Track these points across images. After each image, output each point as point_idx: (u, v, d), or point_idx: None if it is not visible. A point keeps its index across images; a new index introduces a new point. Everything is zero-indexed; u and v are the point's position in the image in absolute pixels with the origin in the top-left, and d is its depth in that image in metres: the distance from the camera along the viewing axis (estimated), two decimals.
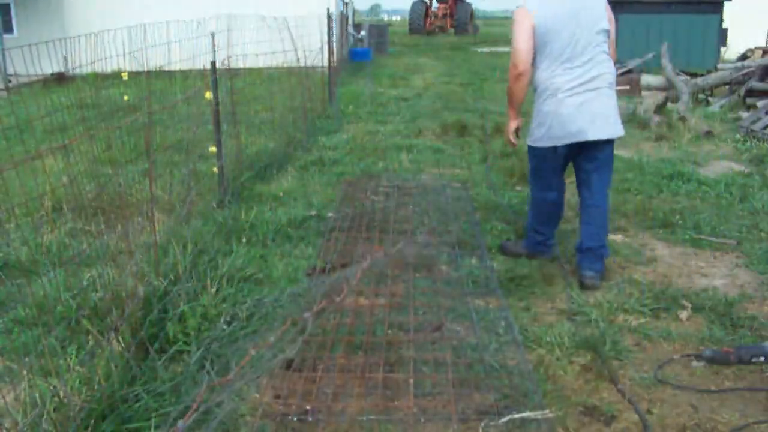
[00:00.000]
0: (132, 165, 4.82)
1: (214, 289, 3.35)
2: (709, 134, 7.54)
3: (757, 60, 10.56)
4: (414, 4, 34.78)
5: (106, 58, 4.55)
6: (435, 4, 35.62)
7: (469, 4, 36.16)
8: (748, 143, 7.11)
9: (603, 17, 3.60)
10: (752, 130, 7.48)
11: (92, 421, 2.33)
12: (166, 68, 5.23)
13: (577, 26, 3.53)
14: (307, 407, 2.56)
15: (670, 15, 14.96)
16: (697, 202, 5.13)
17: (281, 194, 5.36)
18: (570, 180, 5.80)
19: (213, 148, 4.97)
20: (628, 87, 11.41)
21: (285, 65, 8.10)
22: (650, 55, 12.73)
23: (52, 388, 2.41)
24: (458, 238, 4.39)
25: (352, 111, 9.71)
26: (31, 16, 16.54)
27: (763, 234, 4.42)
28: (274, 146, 6.71)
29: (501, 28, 44.75)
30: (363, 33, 22.02)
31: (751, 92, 9.57)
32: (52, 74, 5.97)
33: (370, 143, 7.47)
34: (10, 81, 11.62)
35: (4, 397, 2.33)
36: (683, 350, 3.02)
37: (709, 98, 10.67)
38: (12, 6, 16.64)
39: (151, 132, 3.67)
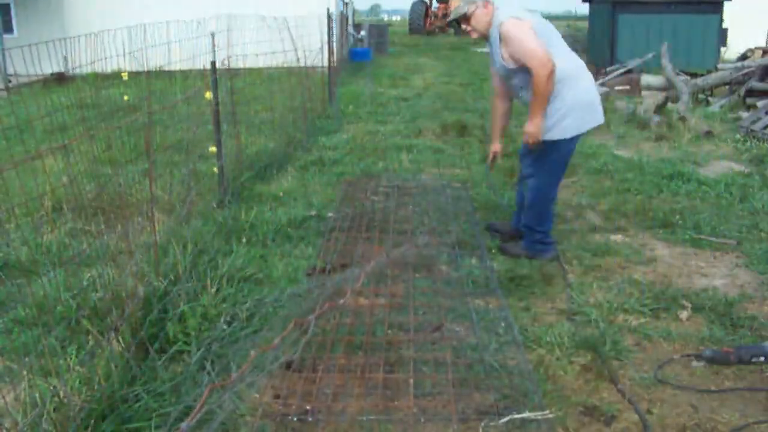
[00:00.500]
0: (132, 165, 4.82)
1: (214, 289, 3.35)
2: (709, 134, 7.54)
3: (757, 60, 10.56)
4: (414, 4, 34.78)
5: (106, 58, 4.54)
6: (435, 4, 35.60)
7: None
8: (748, 143, 7.11)
9: None
10: (752, 130, 7.48)
11: (92, 421, 2.33)
12: (166, 68, 5.22)
13: (549, 25, 3.81)
14: (307, 407, 2.56)
15: (670, 15, 14.95)
16: (697, 202, 5.13)
17: (281, 194, 5.36)
18: (571, 180, 5.79)
19: (213, 148, 4.97)
20: (628, 87, 11.41)
21: (285, 65, 8.10)
22: (650, 55, 12.72)
23: (52, 388, 2.41)
24: (458, 238, 4.39)
25: (352, 111, 9.71)
26: (31, 16, 16.54)
27: (763, 234, 4.42)
28: (274, 146, 6.71)
29: None
30: (363, 33, 22.02)
31: (751, 92, 9.57)
32: (52, 74, 5.97)
33: (370, 143, 7.47)
34: (10, 81, 11.62)
35: (4, 397, 2.34)
36: (683, 350, 3.02)
37: (709, 98, 10.67)
38: (12, 6, 16.64)
39: (151, 132, 3.67)
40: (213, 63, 4.85)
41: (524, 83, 3.74)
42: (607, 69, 13.26)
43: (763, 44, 13.75)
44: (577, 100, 3.72)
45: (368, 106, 10.21)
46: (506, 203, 5.11)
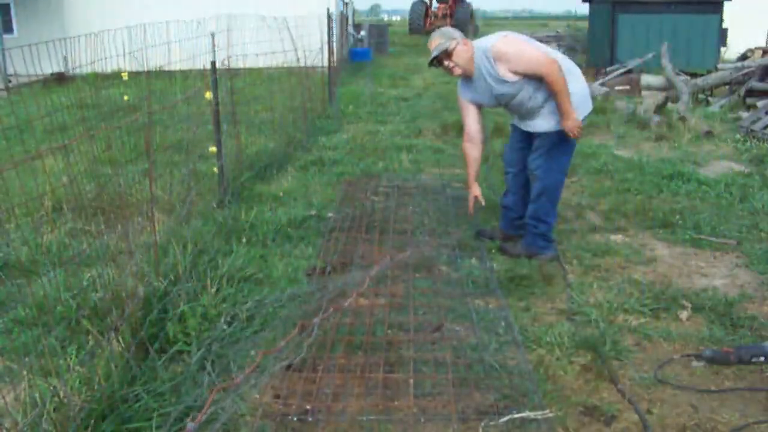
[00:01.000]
0: (132, 165, 4.82)
1: (214, 289, 3.35)
2: (709, 134, 7.54)
3: (757, 60, 10.56)
4: (414, 4, 34.76)
5: (106, 58, 4.54)
6: (435, 4, 35.58)
7: (469, 5, 36.15)
8: (748, 143, 7.11)
9: None
10: (752, 130, 7.48)
11: (92, 421, 2.33)
12: (166, 68, 5.22)
13: None
14: (307, 407, 2.56)
15: (670, 15, 14.94)
16: (697, 202, 5.13)
17: (281, 194, 5.36)
18: (571, 180, 5.80)
19: (213, 148, 4.97)
20: (628, 87, 11.41)
21: (285, 65, 8.10)
22: (650, 55, 12.71)
23: (52, 388, 2.41)
24: (458, 239, 4.39)
25: (352, 111, 9.71)
26: (31, 16, 16.54)
27: (763, 234, 4.42)
28: (274, 146, 6.71)
29: (501, 29, 44.75)
30: (363, 33, 22.02)
31: (751, 92, 9.57)
32: (52, 74, 5.97)
33: (370, 143, 7.47)
34: (10, 81, 11.62)
35: (4, 397, 2.33)
36: (683, 350, 3.02)
37: (709, 98, 10.67)
38: (12, 6, 16.64)
39: (151, 132, 3.67)
40: (213, 63, 4.85)
41: (531, 92, 3.81)
42: (607, 69, 13.26)
43: (763, 44, 13.74)
44: (578, 90, 3.87)
45: (368, 106, 10.21)
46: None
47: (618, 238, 4.42)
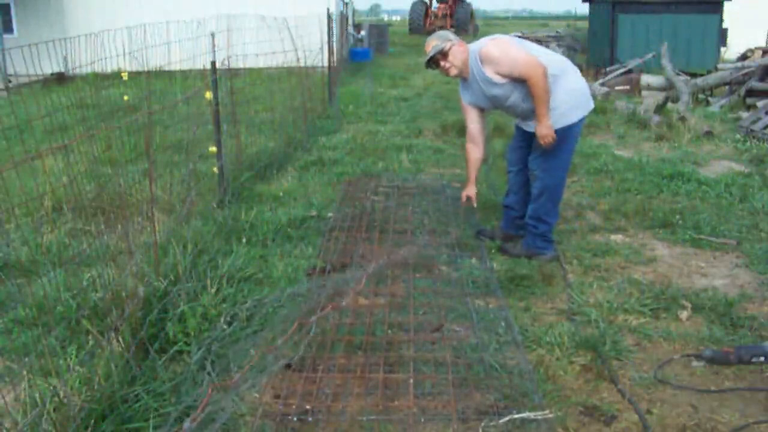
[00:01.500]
0: (132, 165, 4.82)
1: (214, 289, 3.35)
2: (709, 134, 7.54)
3: (757, 60, 10.56)
4: (414, 4, 34.77)
5: (106, 58, 4.54)
6: (435, 4, 35.59)
7: (469, 4, 36.15)
8: (748, 143, 7.11)
9: None
10: (752, 130, 7.48)
11: (92, 421, 2.33)
12: (166, 68, 5.22)
13: None
14: (307, 407, 2.56)
15: (670, 15, 14.95)
16: (697, 202, 5.13)
17: (281, 194, 5.36)
18: (571, 180, 5.80)
19: (213, 148, 4.97)
20: (628, 87, 11.42)
21: (285, 65, 8.09)
22: (650, 55, 12.72)
23: (52, 388, 2.41)
24: (458, 239, 4.39)
25: (352, 111, 9.71)
26: (31, 16, 16.54)
27: (763, 234, 4.42)
28: (274, 146, 6.71)
29: (501, 29, 44.72)
30: (363, 33, 22.02)
31: (751, 92, 9.57)
32: (52, 74, 5.97)
33: (370, 143, 7.47)
34: (10, 81, 11.61)
35: (4, 397, 2.33)
36: (683, 350, 3.02)
37: (709, 98, 10.67)
38: (12, 6, 16.63)
39: (151, 132, 3.67)
40: (213, 63, 4.85)
41: (523, 94, 3.82)
42: (607, 69, 13.27)
43: (763, 44, 13.75)
44: (577, 87, 3.90)
45: (368, 106, 10.21)
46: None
47: (618, 238, 4.42)
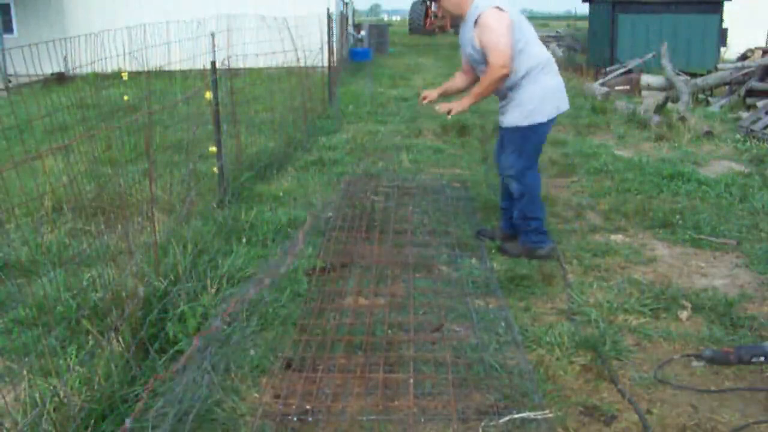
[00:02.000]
0: (132, 165, 4.82)
1: (214, 289, 3.35)
2: (709, 134, 7.54)
3: (757, 60, 10.56)
4: (414, 4, 34.79)
5: (106, 58, 4.54)
6: (435, 5, 35.62)
7: None
8: (748, 143, 7.10)
9: None
10: (752, 130, 7.48)
11: (92, 421, 2.33)
12: (166, 68, 5.22)
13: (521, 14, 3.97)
14: (307, 407, 2.56)
15: (670, 15, 14.95)
16: (697, 202, 5.13)
17: (281, 194, 5.36)
18: (571, 180, 5.80)
19: (213, 148, 4.96)
20: (628, 87, 11.42)
21: (285, 65, 8.09)
22: (650, 55, 12.72)
23: (52, 388, 2.41)
24: (458, 239, 4.39)
25: (352, 111, 9.71)
26: (31, 16, 16.54)
27: (763, 234, 4.42)
28: (274, 146, 6.71)
29: None
30: (363, 33, 22.02)
31: (751, 92, 9.57)
32: (52, 74, 5.97)
33: (370, 143, 7.47)
34: (10, 81, 11.61)
35: (4, 397, 2.33)
36: (683, 350, 3.02)
37: (709, 98, 10.68)
38: (12, 6, 16.64)
39: (151, 132, 3.67)
40: (213, 63, 4.85)
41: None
42: (607, 69, 13.27)
43: (763, 44, 13.75)
44: (552, 86, 3.91)
45: (368, 106, 10.21)
46: None
47: (618, 238, 4.42)
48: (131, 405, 2.46)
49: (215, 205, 4.78)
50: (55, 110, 4.01)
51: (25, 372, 2.54)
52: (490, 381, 2.72)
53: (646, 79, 11.36)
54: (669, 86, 10.63)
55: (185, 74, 7.19)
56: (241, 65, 6.41)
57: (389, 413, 2.53)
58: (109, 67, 4.90)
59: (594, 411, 2.56)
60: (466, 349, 2.99)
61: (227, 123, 5.57)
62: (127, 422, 2.15)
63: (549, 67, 3.91)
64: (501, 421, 2.44)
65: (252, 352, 2.95)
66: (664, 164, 6.21)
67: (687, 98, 9.58)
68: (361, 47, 20.72)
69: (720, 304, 3.40)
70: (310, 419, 2.50)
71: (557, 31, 28.93)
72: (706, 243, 4.29)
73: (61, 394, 2.36)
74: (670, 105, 9.35)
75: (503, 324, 3.20)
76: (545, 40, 25.86)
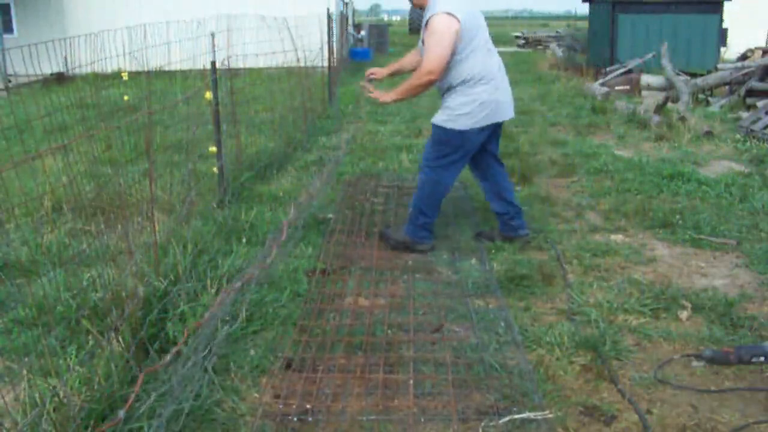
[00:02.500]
0: (132, 165, 4.82)
1: (214, 289, 3.35)
2: (709, 134, 7.54)
3: (757, 60, 10.56)
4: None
5: (106, 58, 4.54)
6: None
7: None
8: (748, 143, 7.10)
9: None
10: (752, 130, 7.48)
11: (92, 421, 2.33)
12: (166, 68, 5.22)
13: (481, 19, 4.00)
14: (307, 407, 2.56)
15: (670, 15, 14.93)
16: (697, 202, 5.13)
17: (281, 194, 5.36)
18: (571, 180, 5.80)
19: (213, 148, 4.97)
20: (628, 87, 11.42)
21: (285, 65, 8.09)
22: (650, 55, 12.71)
23: (52, 388, 2.41)
24: (457, 239, 4.39)
25: (352, 111, 9.71)
26: (31, 16, 16.54)
27: (763, 234, 4.42)
28: (274, 146, 6.71)
29: (501, 28, 44.74)
30: (363, 33, 22.02)
31: (751, 92, 9.57)
32: (52, 74, 5.97)
33: (370, 143, 7.47)
34: (10, 81, 11.61)
35: (4, 397, 2.33)
36: (683, 350, 3.02)
37: (709, 98, 10.67)
38: (12, 6, 16.64)
39: (151, 132, 3.67)
40: (213, 63, 4.85)
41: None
42: (607, 69, 13.26)
43: (763, 44, 13.75)
44: (485, 100, 3.91)
45: (368, 106, 10.21)
46: None
47: (618, 238, 4.42)
48: (131, 405, 2.46)
49: (215, 205, 4.78)
50: (55, 110, 4.01)
51: (25, 372, 2.54)
52: (490, 381, 2.72)
53: (646, 79, 11.35)
54: (669, 86, 10.63)
55: (185, 74, 7.19)
56: (241, 65, 6.41)
57: (389, 413, 2.53)
58: (109, 67, 4.90)
59: (594, 411, 2.56)
60: (466, 349, 2.99)
61: (227, 123, 5.57)
62: (121, 414, 2.15)
63: (488, 79, 3.91)
64: (501, 421, 2.44)
65: (252, 352, 2.95)
66: (664, 164, 6.21)
67: (687, 98, 9.57)
68: (361, 47, 20.73)
69: (720, 304, 3.40)
70: (310, 419, 2.50)
71: (557, 31, 28.91)
72: (706, 243, 4.29)
73: (61, 394, 2.36)
74: (670, 105, 9.35)
75: (503, 324, 3.20)
76: (545, 40, 25.89)
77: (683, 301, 3.43)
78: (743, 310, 3.36)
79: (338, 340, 3.06)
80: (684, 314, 3.32)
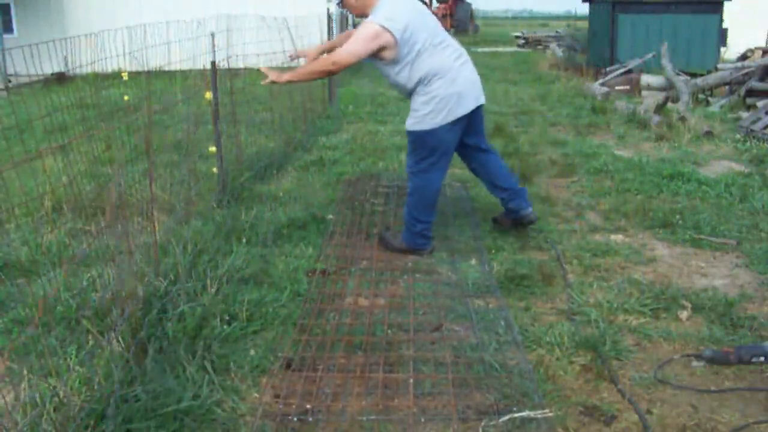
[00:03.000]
0: (132, 165, 4.82)
1: (214, 289, 3.35)
2: (709, 134, 7.54)
3: (757, 60, 10.56)
4: None
5: (106, 58, 4.54)
6: (435, 4, 35.60)
7: (469, 4, 36.18)
8: (748, 143, 7.10)
9: None
10: (752, 130, 7.48)
11: (92, 421, 2.33)
12: (166, 68, 5.22)
13: (424, 15, 3.98)
14: (307, 407, 2.56)
15: (670, 15, 14.92)
16: (697, 202, 5.13)
17: (281, 194, 5.36)
18: (571, 180, 5.80)
19: (213, 148, 4.97)
20: (628, 87, 11.41)
21: (285, 65, 8.09)
22: (650, 55, 12.71)
23: (52, 388, 2.41)
24: (457, 239, 4.39)
25: (352, 111, 9.71)
26: (31, 16, 16.54)
27: (763, 234, 4.42)
28: (274, 146, 6.71)
29: (501, 28, 44.75)
30: None
31: (751, 92, 9.57)
32: (52, 74, 5.97)
33: (370, 143, 7.47)
34: (10, 81, 11.61)
35: (4, 397, 2.33)
36: (683, 350, 3.02)
37: (709, 98, 10.67)
38: (12, 6, 16.65)
39: (151, 132, 3.67)
40: (213, 63, 4.85)
41: (386, 73, 4.00)
42: (607, 69, 13.26)
43: (763, 44, 13.75)
44: (443, 95, 3.89)
45: (368, 106, 10.21)
46: None
47: (618, 238, 4.42)
48: (131, 405, 2.46)
49: (215, 205, 4.78)
50: (55, 110, 4.00)
51: (25, 372, 2.54)
52: (490, 381, 2.72)
53: (646, 79, 11.35)
54: (669, 86, 10.63)
55: (185, 74, 7.18)
56: (241, 65, 6.41)
57: (389, 413, 2.53)
58: (109, 67, 4.89)
59: (594, 411, 2.56)
60: (466, 349, 2.99)
61: (227, 123, 5.57)
62: (109, 411, 2.15)
63: (443, 73, 3.88)
64: (501, 421, 2.44)
65: (252, 352, 2.95)
66: (664, 164, 6.21)
67: (687, 98, 9.57)
68: None
69: (720, 304, 3.40)
70: (310, 419, 2.50)
71: (557, 31, 28.92)
72: (706, 243, 4.29)
73: (61, 394, 2.36)
74: (670, 105, 9.35)
75: (503, 324, 3.20)
76: (545, 40, 25.89)
77: (683, 301, 3.43)
78: (743, 310, 3.36)
79: (338, 340, 3.06)
80: (684, 314, 3.32)
